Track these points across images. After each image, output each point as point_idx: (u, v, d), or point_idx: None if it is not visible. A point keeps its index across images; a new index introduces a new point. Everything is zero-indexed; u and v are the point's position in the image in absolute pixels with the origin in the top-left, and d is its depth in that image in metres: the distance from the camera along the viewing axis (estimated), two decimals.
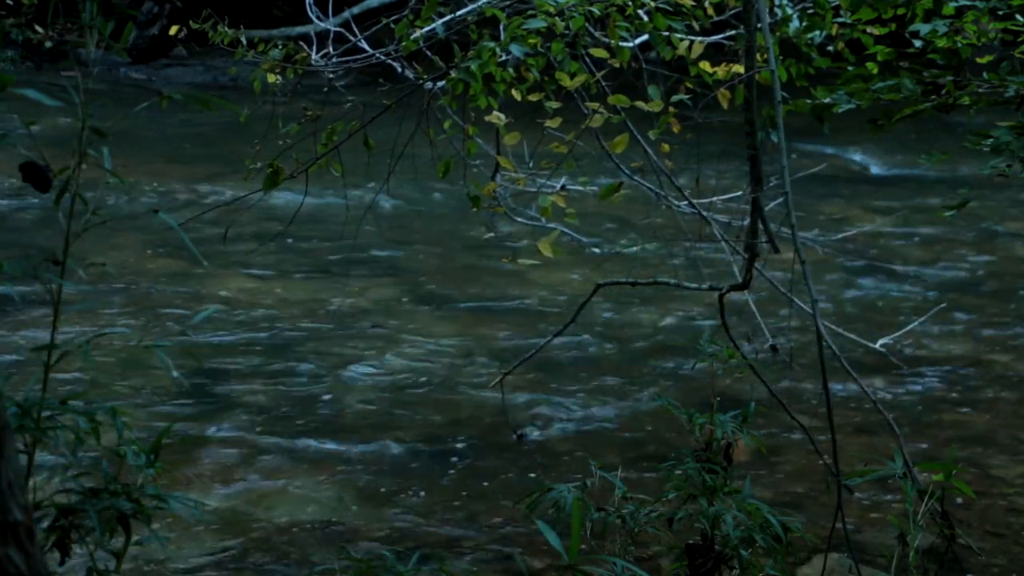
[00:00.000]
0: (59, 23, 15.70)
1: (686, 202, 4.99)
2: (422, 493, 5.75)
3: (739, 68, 4.82)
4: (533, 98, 4.89)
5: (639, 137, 4.94)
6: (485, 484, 5.85)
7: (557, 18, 4.66)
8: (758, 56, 4.40)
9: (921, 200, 10.80)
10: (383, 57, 5.50)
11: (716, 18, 5.09)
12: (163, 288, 8.25)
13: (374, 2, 14.90)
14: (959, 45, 4.69)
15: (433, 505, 5.63)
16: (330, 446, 6.19)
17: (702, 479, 4.51)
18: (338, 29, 5.86)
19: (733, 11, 5.06)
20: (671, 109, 4.70)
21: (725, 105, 4.66)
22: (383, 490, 5.78)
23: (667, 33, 4.82)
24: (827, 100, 4.51)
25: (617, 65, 4.87)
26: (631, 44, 4.87)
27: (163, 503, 3.27)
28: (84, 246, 3.31)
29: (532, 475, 5.87)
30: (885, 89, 4.49)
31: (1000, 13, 4.74)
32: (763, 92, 4.38)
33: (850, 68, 4.74)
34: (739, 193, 4.67)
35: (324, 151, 5.16)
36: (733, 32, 5.19)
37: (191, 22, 6.13)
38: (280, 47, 5.54)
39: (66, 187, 3.11)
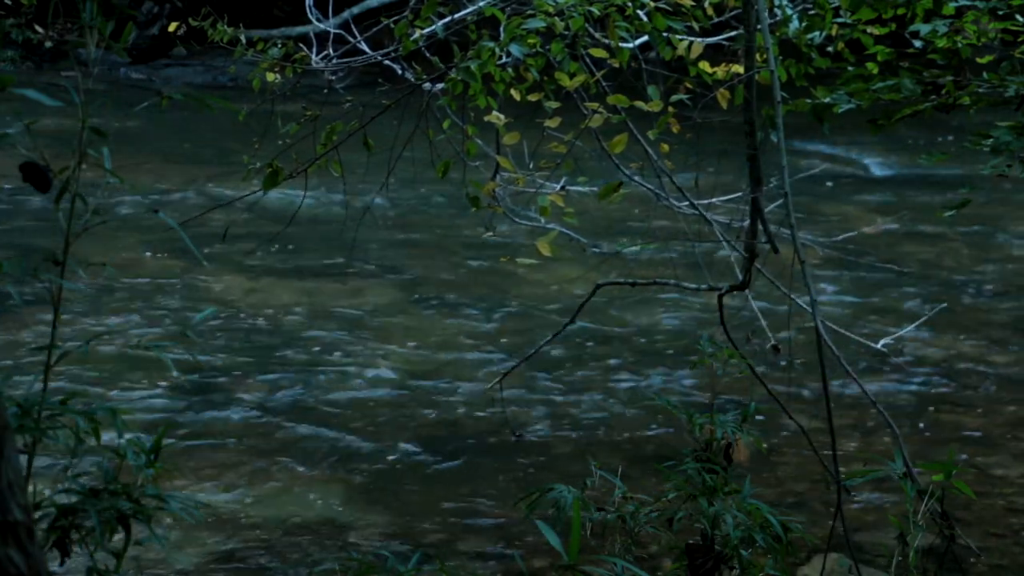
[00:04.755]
0: (59, 23, 15.70)
1: (686, 202, 4.99)
2: (422, 493, 5.75)
3: (739, 68, 4.81)
4: (532, 98, 4.89)
5: (639, 137, 4.94)
6: (485, 484, 5.85)
7: (557, 18, 4.66)
8: (758, 56, 4.39)
9: (921, 200, 10.80)
10: (383, 58, 5.50)
11: (716, 18, 5.09)
12: (163, 288, 8.25)
13: (374, 2, 14.89)
14: (959, 45, 4.69)
15: (433, 505, 5.63)
16: (330, 446, 6.19)
17: (702, 479, 4.51)
18: (338, 30, 5.86)
19: (733, 11, 5.06)
20: (671, 109, 4.70)
21: (725, 105, 4.66)
22: (383, 490, 5.78)
23: (667, 33, 4.82)
24: (827, 100, 4.51)
25: (617, 65, 4.87)
26: (631, 44, 4.87)
27: (163, 503, 3.27)
28: (84, 246, 3.31)
29: (532, 475, 5.87)
30: (885, 89, 4.49)
31: (1000, 13, 4.74)
32: (763, 92, 4.38)
33: (850, 68, 4.74)
34: (739, 193, 4.67)
35: (323, 151, 5.16)
36: (733, 32, 5.18)
37: (190, 20, 6.14)
38: (279, 46, 5.54)
39: (66, 187, 3.11)
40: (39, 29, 15.08)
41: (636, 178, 5.11)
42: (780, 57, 4.73)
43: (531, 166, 5.03)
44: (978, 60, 4.93)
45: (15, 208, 9.87)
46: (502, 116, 4.88)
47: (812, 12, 4.85)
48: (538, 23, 4.65)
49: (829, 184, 11.16)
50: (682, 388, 6.86)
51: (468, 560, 5.16)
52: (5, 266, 3.12)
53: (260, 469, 5.92)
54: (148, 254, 8.90)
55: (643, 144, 4.98)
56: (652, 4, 4.75)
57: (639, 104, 4.68)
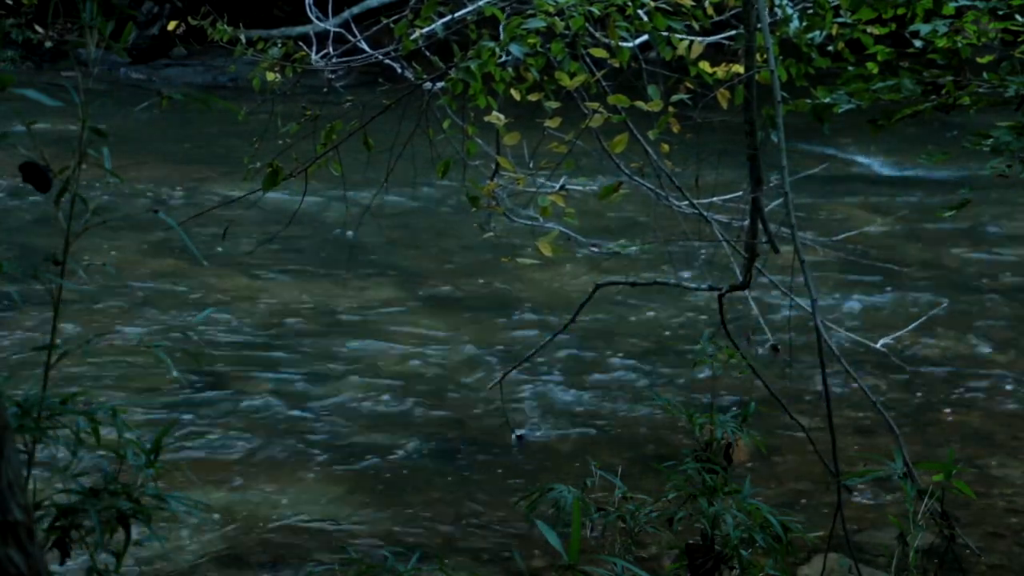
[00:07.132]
0: (59, 23, 15.70)
1: (686, 202, 4.99)
2: (422, 493, 5.75)
3: (739, 68, 4.82)
4: (533, 98, 4.89)
5: (639, 137, 4.94)
6: (485, 484, 5.85)
7: (557, 18, 4.67)
8: (758, 56, 4.40)
9: (921, 200, 10.80)
10: (383, 57, 5.50)
11: (716, 18, 5.09)
12: (163, 288, 8.25)
13: (374, 2, 14.90)
14: (959, 45, 4.69)
15: (433, 505, 5.63)
16: (330, 446, 6.19)
17: (702, 479, 4.51)
18: (338, 29, 5.86)
19: (733, 11, 5.06)
20: (671, 109, 4.70)
21: (725, 105, 4.66)
22: (383, 490, 5.78)
23: (667, 33, 4.82)
24: (827, 100, 4.51)
25: (617, 65, 4.87)
26: (631, 44, 4.87)
27: (163, 503, 3.27)
28: (84, 246, 3.31)
29: (532, 475, 5.87)
30: (885, 89, 4.49)
31: (1000, 13, 4.74)
32: (763, 92, 4.38)
33: (850, 68, 4.74)
34: (739, 193, 4.68)
35: (323, 151, 5.16)
36: (733, 32, 5.19)
37: (190, 20, 6.14)
38: (279, 46, 5.54)
39: (66, 187, 3.11)
40: (39, 29, 15.09)
41: (636, 178, 5.11)
42: (780, 57, 4.73)
43: (531, 166, 5.03)
44: (978, 60, 4.93)
45: (15, 208, 9.87)
46: (502, 116, 4.88)
47: (812, 12, 4.85)
48: (538, 23, 4.66)
49: (829, 184, 11.16)
50: (682, 388, 6.86)
51: (468, 560, 5.16)
52: (5, 266, 3.12)
53: (260, 469, 5.92)
54: (148, 254, 8.90)
55: (643, 144, 4.98)
56: (652, 4, 4.76)
57: (639, 104, 4.68)
